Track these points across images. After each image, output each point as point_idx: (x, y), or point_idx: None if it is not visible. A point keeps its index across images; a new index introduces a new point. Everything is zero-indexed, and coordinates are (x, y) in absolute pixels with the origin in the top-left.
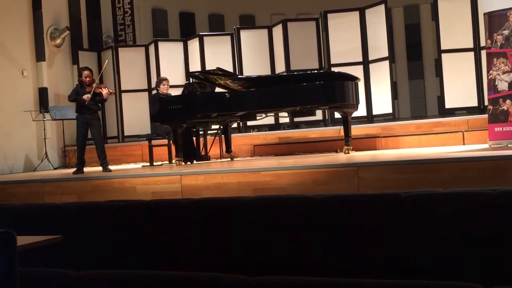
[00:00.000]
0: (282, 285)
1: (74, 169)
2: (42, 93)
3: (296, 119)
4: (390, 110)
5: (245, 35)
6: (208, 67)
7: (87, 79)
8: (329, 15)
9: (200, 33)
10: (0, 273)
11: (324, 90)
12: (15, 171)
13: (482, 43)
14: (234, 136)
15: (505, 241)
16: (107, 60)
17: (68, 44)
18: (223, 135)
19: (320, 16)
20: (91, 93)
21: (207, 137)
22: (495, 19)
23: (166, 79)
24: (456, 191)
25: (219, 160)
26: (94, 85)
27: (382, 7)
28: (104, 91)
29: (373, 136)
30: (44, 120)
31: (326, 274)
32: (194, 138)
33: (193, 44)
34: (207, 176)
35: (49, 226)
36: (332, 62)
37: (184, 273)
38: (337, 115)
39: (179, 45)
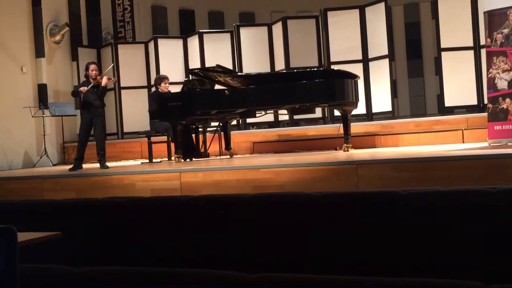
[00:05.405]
0: (281, 283)
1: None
2: (42, 89)
3: (295, 117)
4: (389, 108)
5: (244, 32)
6: (207, 64)
7: (93, 72)
8: (329, 13)
9: (200, 30)
10: (0, 269)
11: (324, 88)
12: (14, 167)
13: (482, 41)
14: (234, 133)
15: (505, 239)
16: (112, 65)
17: (68, 41)
18: (222, 132)
19: (320, 14)
20: (90, 86)
21: (207, 134)
22: (495, 17)
23: (166, 77)
24: (456, 189)
25: (218, 157)
26: (98, 77)
27: (382, 5)
28: (103, 80)
29: (373, 134)
30: (43, 117)
31: (325, 271)
32: (193, 135)
33: (193, 41)
34: (206, 173)
35: (48, 222)
36: (332, 60)
37: (183, 270)
38: (337, 113)
39: (179, 42)
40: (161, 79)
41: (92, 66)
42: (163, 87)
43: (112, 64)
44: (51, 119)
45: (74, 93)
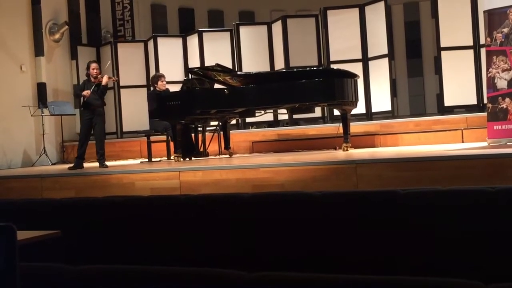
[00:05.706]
0: (281, 281)
1: (72, 165)
2: (41, 88)
3: (295, 116)
4: (389, 108)
5: (244, 31)
6: (207, 63)
7: (95, 71)
8: (329, 12)
9: (199, 29)
10: (0, 268)
11: (324, 87)
12: (13, 166)
13: (482, 41)
14: (233, 133)
15: (505, 239)
16: (109, 62)
17: (67, 39)
18: (221, 132)
19: (320, 13)
20: (92, 88)
21: (206, 133)
22: (495, 17)
23: (163, 75)
24: (455, 188)
25: (217, 156)
26: (99, 76)
27: (381, 4)
28: (104, 79)
29: (372, 134)
30: (42, 116)
31: (325, 270)
32: (192, 134)
33: (192, 40)
34: (205, 173)
35: (47, 221)
36: (332, 59)
37: (183, 269)
38: (336, 112)
39: (178, 41)
40: (157, 77)
41: (93, 65)
42: (160, 85)
43: (110, 61)
44: (50, 118)
45: (77, 95)
